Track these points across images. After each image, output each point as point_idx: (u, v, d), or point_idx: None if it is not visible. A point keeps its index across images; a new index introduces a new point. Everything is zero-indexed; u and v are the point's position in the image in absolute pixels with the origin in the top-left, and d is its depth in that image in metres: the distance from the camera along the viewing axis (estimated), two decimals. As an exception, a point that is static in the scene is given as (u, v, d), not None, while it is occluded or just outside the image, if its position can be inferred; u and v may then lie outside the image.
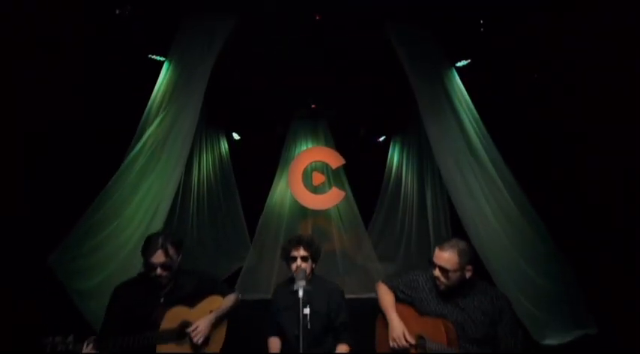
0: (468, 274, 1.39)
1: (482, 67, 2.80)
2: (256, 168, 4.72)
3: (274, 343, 1.56)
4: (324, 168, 3.77)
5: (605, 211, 2.65)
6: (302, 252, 1.52)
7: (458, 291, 1.42)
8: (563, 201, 2.82)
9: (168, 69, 2.73)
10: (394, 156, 4.74)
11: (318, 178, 3.61)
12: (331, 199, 3.56)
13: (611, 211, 2.64)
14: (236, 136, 4.87)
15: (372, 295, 3.55)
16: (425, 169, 4.09)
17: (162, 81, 2.72)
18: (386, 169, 4.72)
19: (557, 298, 2.82)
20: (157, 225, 2.63)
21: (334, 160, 3.69)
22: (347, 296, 1.74)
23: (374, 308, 2.97)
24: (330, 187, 3.67)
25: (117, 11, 2.16)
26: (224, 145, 4.76)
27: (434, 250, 1.42)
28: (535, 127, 2.75)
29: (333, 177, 3.80)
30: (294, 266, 1.48)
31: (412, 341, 1.35)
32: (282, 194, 4.35)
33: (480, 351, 1.32)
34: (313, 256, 1.54)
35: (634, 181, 2.37)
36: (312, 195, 3.62)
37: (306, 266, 1.48)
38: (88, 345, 1.25)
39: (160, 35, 2.68)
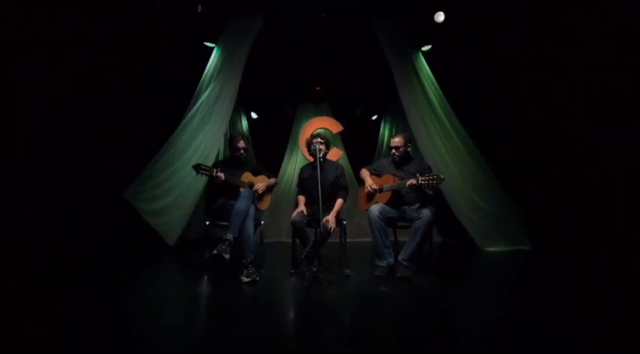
0: (408, 149, 2.63)
1: (440, 51, 4.02)
2: (270, 141, 5.91)
3: (301, 198, 2.71)
4: (327, 132, 4.97)
5: (531, 150, 3.70)
6: (320, 140, 2.71)
7: (404, 161, 2.62)
8: (503, 141, 3.93)
9: (217, 53, 3.92)
10: (385, 131, 5.95)
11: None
12: (332, 155, 4.75)
13: (533, 149, 3.70)
14: (254, 115, 6.07)
15: (365, 239, 4.67)
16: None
17: (213, 61, 3.90)
18: (378, 141, 5.93)
19: (499, 219, 3.91)
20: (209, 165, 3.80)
21: (334, 126, 4.90)
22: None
23: (366, 249, 3.89)
24: (331, 147, 4.87)
25: (200, 8, 3.32)
26: (245, 122, 5.93)
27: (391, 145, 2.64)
28: (480, 91, 3.93)
29: (334, 140, 5.01)
30: (314, 145, 2.63)
31: (376, 187, 2.55)
32: (293, 164, 5.56)
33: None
34: (326, 145, 2.74)
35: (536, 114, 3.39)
36: (318, 153, 4.79)
37: (322, 147, 2.67)
38: (217, 171, 2.42)
39: (212, 28, 3.88)
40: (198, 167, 2.38)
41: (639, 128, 2.35)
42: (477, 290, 2.32)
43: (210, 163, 3.64)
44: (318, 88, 5.56)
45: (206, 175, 2.39)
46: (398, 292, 2.05)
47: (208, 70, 3.93)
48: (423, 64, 3.97)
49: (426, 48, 4.00)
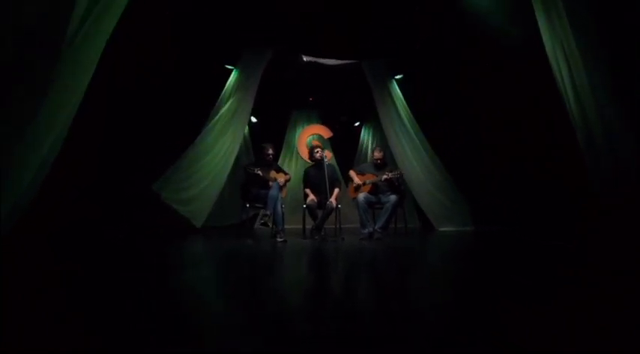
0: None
1: (409, 80, 5.43)
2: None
3: (308, 191, 3.98)
4: (320, 138, 6.29)
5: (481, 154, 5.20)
6: (320, 149, 4.02)
7: (382, 165, 4.00)
8: (456, 147, 5.40)
9: (235, 74, 5.12)
10: (365, 135, 7.33)
11: (316, 143, 6.10)
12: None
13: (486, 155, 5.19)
14: (253, 119, 7.22)
15: (356, 225, 6.02)
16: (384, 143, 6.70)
17: (232, 80, 5.09)
18: (359, 144, 7.30)
19: (450, 206, 5.41)
20: (229, 164, 4.98)
21: (326, 132, 6.22)
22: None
23: (356, 230, 5.17)
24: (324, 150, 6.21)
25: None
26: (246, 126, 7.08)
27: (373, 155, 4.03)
28: (438, 108, 5.38)
29: (325, 144, 6.33)
30: (317, 154, 3.95)
31: (361, 182, 3.90)
32: (286, 164, 6.78)
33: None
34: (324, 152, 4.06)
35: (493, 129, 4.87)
36: (312, 154, 6.10)
37: (323, 153, 3.97)
38: (256, 169, 3.66)
39: (232, 54, 5.08)
40: (245, 167, 3.65)
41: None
42: (422, 248, 3.66)
43: (232, 161, 4.93)
44: (311, 98, 6.83)
45: (251, 171, 3.65)
46: (374, 248, 3.38)
47: (228, 87, 5.11)
48: (396, 88, 5.37)
49: (398, 77, 5.40)
